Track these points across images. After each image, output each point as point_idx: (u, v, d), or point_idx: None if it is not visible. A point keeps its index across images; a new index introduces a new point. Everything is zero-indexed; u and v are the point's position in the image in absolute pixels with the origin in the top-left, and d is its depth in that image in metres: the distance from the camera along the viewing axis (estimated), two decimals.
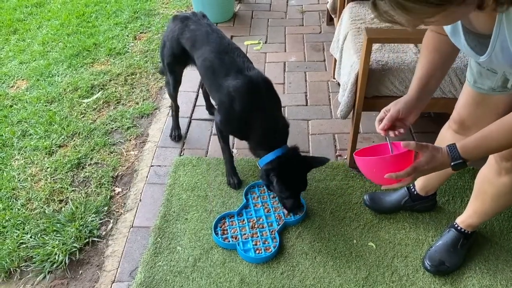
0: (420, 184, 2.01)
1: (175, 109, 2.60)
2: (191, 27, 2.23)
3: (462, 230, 1.86)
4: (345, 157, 2.43)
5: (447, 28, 1.25)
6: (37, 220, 2.15)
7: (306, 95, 2.98)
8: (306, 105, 2.90)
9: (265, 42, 3.60)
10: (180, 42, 2.25)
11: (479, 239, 1.97)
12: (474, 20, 1.11)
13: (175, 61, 2.34)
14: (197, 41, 2.18)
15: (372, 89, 2.13)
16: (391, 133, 1.41)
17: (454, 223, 1.89)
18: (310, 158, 2.12)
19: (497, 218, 2.06)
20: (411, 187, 2.05)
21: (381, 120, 1.42)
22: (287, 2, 4.25)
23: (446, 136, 1.71)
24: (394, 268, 1.89)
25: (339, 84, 2.90)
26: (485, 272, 1.86)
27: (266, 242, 2.00)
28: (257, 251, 1.95)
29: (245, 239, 2.01)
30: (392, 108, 1.41)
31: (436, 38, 1.39)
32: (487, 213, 1.76)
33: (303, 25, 3.85)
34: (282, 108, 2.77)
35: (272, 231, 2.04)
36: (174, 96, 2.52)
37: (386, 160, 1.31)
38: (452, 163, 1.23)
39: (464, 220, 1.85)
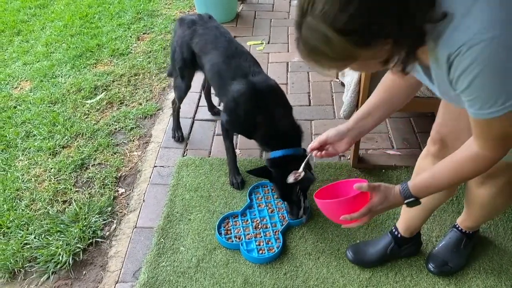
0: (402, 226, 1.84)
1: (177, 109, 2.60)
2: (200, 32, 2.24)
3: (464, 230, 1.85)
4: (348, 158, 2.43)
5: None
6: (41, 221, 2.16)
7: (309, 95, 2.98)
8: (309, 105, 2.89)
9: (268, 42, 3.60)
10: (191, 47, 2.27)
11: (483, 239, 1.97)
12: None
13: (186, 66, 2.35)
14: (206, 46, 2.20)
15: None
16: (317, 153, 1.52)
17: (456, 224, 1.88)
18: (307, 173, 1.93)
19: (501, 218, 2.05)
20: (394, 231, 1.87)
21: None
22: (289, 2, 4.25)
23: (424, 166, 1.59)
24: (397, 268, 1.88)
25: (342, 84, 2.90)
26: (489, 273, 1.85)
27: (270, 243, 1.99)
28: (261, 252, 1.95)
29: (249, 239, 2.01)
30: (325, 132, 1.50)
31: (391, 80, 1.41)
32: (479, 219, 1.78)
33: None
34: None
35: (276, 231, 2.04)
36: (182, 99, 2.53)
37: (341, 202, 1.34)
38: (405, 202, 1.28)
39: (462, 221, 1.86)
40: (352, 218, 1.31)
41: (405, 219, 1.82)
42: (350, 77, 2.23)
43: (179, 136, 2.60)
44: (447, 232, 1.92)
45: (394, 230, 1.88)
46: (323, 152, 1.52)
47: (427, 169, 1.36)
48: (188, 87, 2.46)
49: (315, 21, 0.89)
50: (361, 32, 0.88)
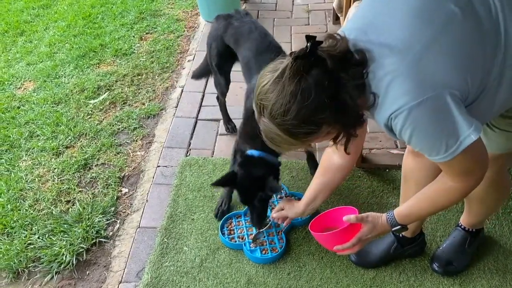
0: None
1: (223, 103, 2.59)
2: (235, 24, 2.23)
3: (467, 229, 1.84)
4: None
5: None
6: (45, 221, 2.16)
7: None
8: None
9: None
10: (224, 40, 2.25)
11: (488, 239, 1.95)
12: None
13: (223, 60, 2.33)
14: (240, 39, 2.18)
15: None
16: (280, 222, 1.95)
17: (459, 223, 1.87)
18: (270, 181, 1.85)
19: (506, 217, 2.04)
20: None
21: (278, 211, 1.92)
22: (292, 1, 4.24)
23: (408, 165, 1.65)
24: (401, 268, 1.88)
25: None
26: (494, 272, 1.84)
27: (273, 243, 1.99)
28: (264, 252, 1.95)
29: (252, 239, 2.01)
30: (285, 211, 1.90)
31: (329, 159, 1.72)
32: (479, 214, 1.78)
33: (309, 25, 3.84)
34: None
35: (279, 231, 2.03)
36: (225, 94, 2.51)
37: (333, 235, 1.51)
38: (392, 229, 1.43)
39: (464, 220, 1.85)
40: (344, 248, 1.47)
41: None
42: None
43: (232, 127, 2.60)
44: (451, 232, 1.91)
45: None
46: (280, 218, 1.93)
47: (412, 167, 1.57)
48: (228, 81, 2.43)
49: (267, 121, 1.11)
50: (305, 124, 1.07)
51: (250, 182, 1.86)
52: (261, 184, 1.84)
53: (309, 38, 1.03)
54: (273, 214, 1.92)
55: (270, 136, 1.15)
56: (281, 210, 1.92)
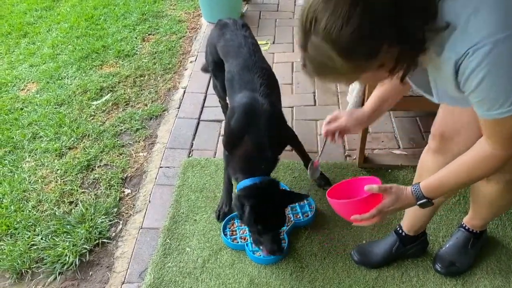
0: (407, 224, 1.83)
1: (225, 105, 2.59)
2: (226, 36, 2.23)
3: (471, 229, 1.84)
4: (354, 157, 2.42)
5: None
6: (48, 222, 2.17)
7: (314, 95, 2.97)
8: (314, 105, 2.89)
9: (273, 43, 3.59)
10: (216, 49, 2.27)
11: (491, 239, 1.95)
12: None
13: (216, 68, 2.33)
14: (229, 52, 2.18)
15: None
16: (329, 139, 1.58)
17: (462, 223, 1.87)
18: (289, 192, 1.93)
19: (509, 218, 2.03)
20: (398, 229, 1.87)
21: (329, 122, 1.56)
22: (294, 2, 4.23)
23: (427, 162, 1.59)
24: (404, 268, 1.87)
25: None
26: (497, 273, 1.83)
27: None
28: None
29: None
30: (344, 120, 1.54)
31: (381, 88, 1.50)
32: (486, 217, 1.76)
33: None
34: (291, 109, 2.78)
35: (281, 232, 2.03)
36: (224, 98, 2.50)
37: (352, 203, 1.36)
38: (417, 203, 1.29)
39: (469, 220, 1.84)
40: (362, 219, 1.32)
41: (409, 217, 1.80)
42: None
43: None
44: (454, 232, 1.90)
45: (398, 229, 1.87)
46: (335, 138, 1.57)
47: (429, 166, 1.42)
48: (223, 85, 2.39)
49: (319, 40, 0.92)
50: (363, 47, 0.92)
51: (275, 206, 1.82)
52: (286, 200, 1.86)
53: None
54: (326, 127, 1.57)
55: (318, 61, 0.97)
56: (335, 121, 1.58)
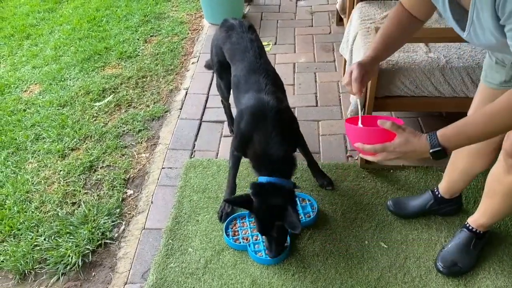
0: (443, 186, 1.97)
1: (228, 106, 2.61)
2: (233, 39, 2.22)
3: (474, 230, 1.83)
4: (356, 158, 2.42)
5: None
6: (51, 223, 2.18)
7: (316, 96, 2.97)
8: (316, 105, 2.89)
9: (275, 44, 3.60)
10: (222, 51, 2.27)
11: (493, 239, 1.95)
12: None
13: (221, 68, 2.33)
14: (235, 55, 2.18)
15: (383, 89, 2.12)
16: (357, 95, 1.46)
17: (466, 223, 1.86)
18: (289, 213, 1.77)
19: (511, 218, 2.03)
20: (435, 190, 2.01)
21: (348, 84, 1.46)
22: (296, 3, 4.25)
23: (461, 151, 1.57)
24: (406, 269, 1.87)
25: None
26: (499, 273, 1.83)
27: None
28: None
29: (256, 240, 2.01)
30: (356, 70, 1.43)
31: (401, 12, 1.46)
32: (498, 213, 1.74)
33: (312, 26, 3.84)
34: (292, 110, 2.78)
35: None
36: (227, 98, 2.52)
37: (361, 131, 1.35)
38: (430, 150, 1.19)
39: (475, 219, 1.83)
40: (365, 149, 1.28)
41: (447, 181, 1.94)
42: None
43: None
44: (456, 232, 1.90)
45: (435, 190, 2.01)
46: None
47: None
48: (228, 86, 2.41)
49: None
50: None
51: (268, 213, 1.81)
52: (280, 214, 1.78)
53: None
54: (358, 87, 1.44)
55: None
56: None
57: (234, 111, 2.63)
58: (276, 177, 1.85)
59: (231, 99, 2.32)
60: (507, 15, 0.96)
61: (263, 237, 1.93)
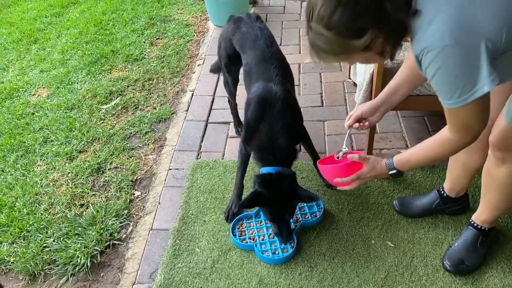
0: (448, 184, 1.99)
1: (234, 106, 2.62)
2: (242, 29, 2.24)
3: (479, 226, 1.83)
4: None
5: None
6: (60, 224, 2.20)
7: (321, 96, 2.98)
8: (322, 106, 2.89)
9: (280, 45, 3.60)
10: (232, 42, 2.27)
11: (500, 237, 1.94)
12: None
13: (231, 61, 2.35)
14: (246, 45, 2.19)
15: None
16: (357, 125, 1.76)
17: (471, 221, 1.86)
18: (301, 190, 1.91)
19: None
20: (441, 189, 2.03)
21: (349, 118, 1.77)
22: (301, 4, 4.25)
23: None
24: (413, 267, 1.87)
25: (355, 84, 2.90)
26: (507, 271, 1.83)
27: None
28: (275, 252, 1.96)
29: (263, 240, 2.02)
30: (359, 109, 1.75)
31: (412, 60, 1.58)
32: (497, 207, 1.75)
33: None
34: None
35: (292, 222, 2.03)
36: (234, 94, 2.53)
37: (336, 168, 1.65)
38: (389, 173, 1.56)
39: (478, 216, 1.83)
40: (343, 182, 1.60)
41: (449, 179, 1.97)
42: (362, 77, 2.22)
43: (241, 130, 2.60)
44: (463, 231, 1.90)
45: (440, 189, 2.03)
46: (360, 124, 1.77)
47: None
48: (236, 81, 2.45)
49: (315, 24, 1.16)
50: (349, 27, 1.13)
51: (281, 199, 1.86)
52: (291, 198, 1.88)
53: None
54: (350, 122, 1.76)
55: (317, 43, 1.20)
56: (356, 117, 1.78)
57: (240, 112, 2.65)
58: (277, 167, 1.90)
59: (240, 94, 2.33)
60: (429, 81, 1.21)
61: (273, 225, 1.94)
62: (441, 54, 1.11)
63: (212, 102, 2.99)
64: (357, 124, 1.76)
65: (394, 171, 1.55)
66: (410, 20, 1.13)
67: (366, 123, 1.76)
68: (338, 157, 1.80)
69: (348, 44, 1.16)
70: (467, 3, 1.10)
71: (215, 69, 2.77)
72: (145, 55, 3.61)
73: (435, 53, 1.12)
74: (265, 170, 1.91)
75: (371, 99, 2.12)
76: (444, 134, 1.36)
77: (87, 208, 2.30)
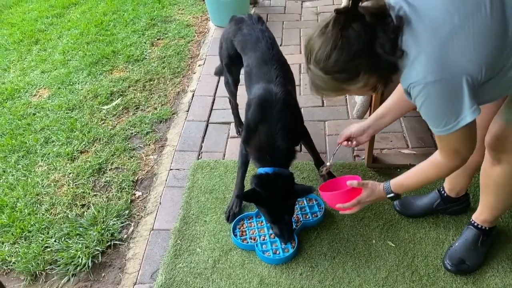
0: (447, 185, 2.00)
1: (235, 107, 2.62)
2: (244, 31, 2.24)
3: (480, 226, 1.83)
4: (363, 158, 2.42)
5: None
6: (61, 225, 2.21)
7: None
8: (322, 106, 2.90)
9: (280, 45, 3.60)
10: (233, 43, 2.28)
11: (501, 237, 1.94)
12: None
13: (231, 62, 2.35)
14: (247, 46, 2.20)
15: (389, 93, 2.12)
16: (345, 143, 1.93)
17: (472, 220, 1.87)
18: (296, 186, 1.93)
19: None
20: (441, 189, 2.03)
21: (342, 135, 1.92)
22: (301, 4, 4.26)
23: None
24: (414, 267, 1.87)
25: None
26: (508, 271, 1.83)
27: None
28: (276, 252, 1.96)
29: (264, 240, 2.02)
30: (348, 129, 1.90)
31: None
32: (496, 206, 1.76)
33: None
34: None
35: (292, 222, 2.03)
36: (234, 94, 2.54)
37: (337, 194, 1.72)
38: (387, 196, 1.65)
39: (478, 216, 1.84)
40: (345, 207, 1.69)
41: (449, 179, 1.99)
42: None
43: (241, 130, 2.61)
44: (463, 230, 1.90)
45: (441, 189, 2.04)
46: (349, 143, 1.92)
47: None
48: (236, 81, 2.46)
49: (313, 66, 1.27)
50: (344, 70, 1.24)
51: (278, 199, 1.86)
52: (288, 198, 1.89)
53: None
54: (340, 140, 1.95)
55: (316, 82, 1.32)
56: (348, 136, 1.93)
57: (242, 113, 2.65)
58: (277, 168, 1.90)
59: (241, 94, 2.33)
60: (418, 109, 1.30)
61: (273, 226, 1.94)
62: (425, 89, 1.21)
63: (213, 102, 3.00)
64: (345, 142, 1.93)
65: (391, 195, 1.64)
66: (398, 60, 1.23)
67: (354, 142, 1.91)
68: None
69: (346, 83, 1.28)
70: (447, 42, 1.17)
71: (219, 72, 2.77)
72: (146, 55, 3.62)
73: (420, 88, 1.22)
74: (262, 170, 1.91)
75: (371, 99, 2.13)
76: (436, 158, 1.45)
77: (88, 209, 2.30)
